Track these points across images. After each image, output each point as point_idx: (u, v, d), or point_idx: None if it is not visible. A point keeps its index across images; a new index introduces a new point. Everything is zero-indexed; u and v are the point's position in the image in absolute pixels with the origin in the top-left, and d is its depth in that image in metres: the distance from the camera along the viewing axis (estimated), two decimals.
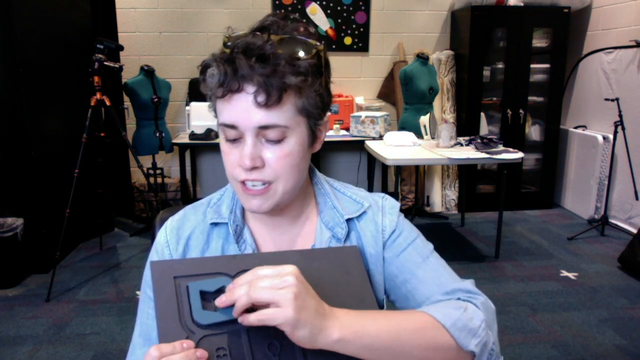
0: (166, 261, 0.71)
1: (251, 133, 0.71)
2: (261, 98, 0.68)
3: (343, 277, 0.74)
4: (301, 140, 0.74)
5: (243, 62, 0.67)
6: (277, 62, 0.67)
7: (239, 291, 0.61)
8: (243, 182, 0.75)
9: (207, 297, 0.66)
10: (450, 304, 0.73)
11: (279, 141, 0.72)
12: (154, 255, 0.85)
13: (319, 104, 0.74)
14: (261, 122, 0.70)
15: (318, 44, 0.72)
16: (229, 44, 0.70)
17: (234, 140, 0.73)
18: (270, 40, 0.68)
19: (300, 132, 0.74)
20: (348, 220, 0.84)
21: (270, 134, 0.71)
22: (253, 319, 0.60)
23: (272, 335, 0.64)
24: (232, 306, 0.62)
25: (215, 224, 0.83)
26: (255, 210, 0.77)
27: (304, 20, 0.75)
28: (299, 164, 0.75)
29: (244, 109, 0.69)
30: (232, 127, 0.71)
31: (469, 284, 0.79)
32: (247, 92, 0.69)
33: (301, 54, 0.70)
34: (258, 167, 0.72)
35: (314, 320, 0.61)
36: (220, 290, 0.65)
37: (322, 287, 0.71)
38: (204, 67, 0.71)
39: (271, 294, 0.59)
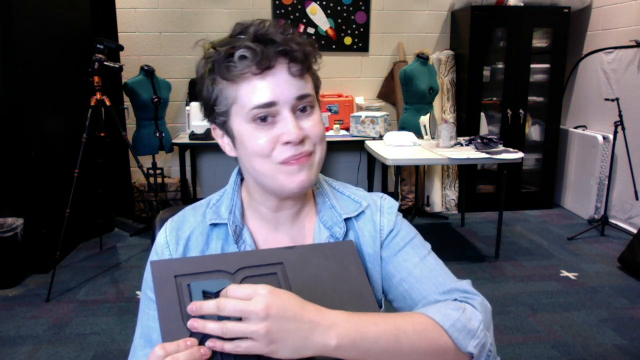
0: (166, 260, 0.72)
1: (289, 106, 0.73)
2: (296, 68, 0.72)
3: (340, 272, 0.74)
4: (319, 113, 0.80)
5: (277, 34, 0.71)
6: (296, 35, 0.73)
7: (209, 324, 0.61)
8: (282, 162, 0.74)
9: (209, 298, 0.66)
10: (449, 304, 0.73)
11: (310, 112, 0.76)
12: (154, 256, 0.85)
13: (320, 80, 0.81)
14: (299, 92, 0.73)
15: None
16: (215, 47, 0.75)
17: (263, 123, 0.73)
18: (281, 22, 0.74)
19: (317, 106, 0.79)
20: (346, 220, 0.85)
21: (304, 105, 0.75)
22: (228, 347, 0.60)
23: None
24: None
25: (214, 225, 0.83)
26: (301, 188, 0.76)
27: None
28: (325, 134, 0.80)
29: (280, 81, 0.72)
30: (270, 104, 0.72)
31: (466, 284, 0.79)
32: (282, 64, 0.72)
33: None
34: (304, 138, 0.74)
35: (296, 340, 0.61)
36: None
37: (320, 283, 0.71)
38: (229, 52, 0.72)
39: (242, 329, 0.59)
